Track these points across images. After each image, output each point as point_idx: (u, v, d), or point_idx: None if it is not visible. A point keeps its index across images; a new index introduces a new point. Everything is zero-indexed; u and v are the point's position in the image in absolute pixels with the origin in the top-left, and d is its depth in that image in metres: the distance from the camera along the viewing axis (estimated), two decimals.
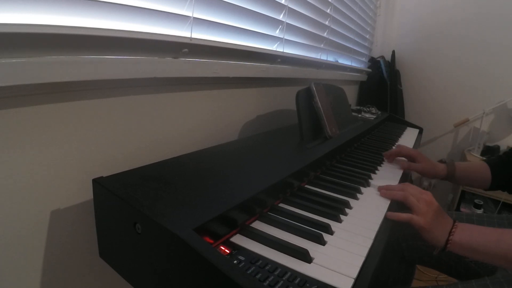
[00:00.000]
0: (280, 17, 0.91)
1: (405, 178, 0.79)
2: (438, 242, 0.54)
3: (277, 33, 0.92)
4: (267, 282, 0.33)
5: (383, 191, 0.62)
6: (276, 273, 0.35)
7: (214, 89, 0.76)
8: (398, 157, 0.88)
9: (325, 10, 1.18)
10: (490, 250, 0.51)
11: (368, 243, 0.44)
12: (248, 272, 0.35)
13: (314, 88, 0.80)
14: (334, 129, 0.85)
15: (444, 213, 0.58)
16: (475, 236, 0.53)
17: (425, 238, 0.56)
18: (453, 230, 0.54)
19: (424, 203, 0.57)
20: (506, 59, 1.84)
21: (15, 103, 0.40)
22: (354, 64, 1.71)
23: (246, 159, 0.60)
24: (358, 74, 1.83)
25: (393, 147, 0.93)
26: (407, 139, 1.23)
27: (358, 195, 0.60)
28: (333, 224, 0.47)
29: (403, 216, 0.55)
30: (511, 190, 0.85)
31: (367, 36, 1.85)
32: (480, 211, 1.71)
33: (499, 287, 0.59)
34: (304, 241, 0.42)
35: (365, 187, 0.65)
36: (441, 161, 0.90)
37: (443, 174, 0.86)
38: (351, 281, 0.35)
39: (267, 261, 0.37)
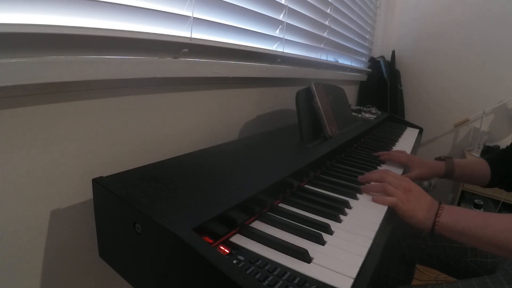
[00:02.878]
0: (280, 17, 0.91)
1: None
2: (425, 225, 0.54)
3: (277, 33, 0.92)
4: (267, 282, 0.33)
5: (363, 187, 0.62)
6: (275, 273, 0.35)
7: (214, 89, 0.76)
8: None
9: (325, 10, 1.18)
10: (476, 234, 0.51)
11: (368, 243, 0.44)
12: (248, 272, 0.35)
13: (314, 88, 0.80)
14: (334, 129, 0.85)
15: (427, 195, 0.58)
16: (461, 219, 0.53)
17: (410, 224, 0.56)
18: (439, 212, 0.54)
19: (403, 190, 0.57)
20: (506, 59, 1.84)
21: (15, 103, 0.40)
22: (354, 64, 1.71)
23: (246, 159, 0.60)
24: (358, 74, 1.83)
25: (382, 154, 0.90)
26: (407, 139, 1.23)
27: (358, 195, 0.60)
28: (332, 224, 0.47)
29: (388, 199, 0.56)
30: (510, 188, 0.85)
31: (367, 36, 1.85)
32: (480, 211, 1.71)
33: (499, 286, 0.59)
34: (303, 241, 0.42)
35: None
36: (439, 158, 0.88)
37: (441, 173, 0.85)
38: (351, 281, 0.35)
39: (266, 261, 0.37)
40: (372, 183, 0.62)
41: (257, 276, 0.34)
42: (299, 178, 0.60)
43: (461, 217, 0.53)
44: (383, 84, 1.96)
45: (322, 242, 0.43)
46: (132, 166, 0.50)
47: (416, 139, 1.25)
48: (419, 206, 0.56)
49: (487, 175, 0.84)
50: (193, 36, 0.61)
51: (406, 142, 1.16)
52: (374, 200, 0.57)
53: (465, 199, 1.88)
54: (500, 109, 1.89)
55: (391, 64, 2.05)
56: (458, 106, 2.02)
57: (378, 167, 0.80)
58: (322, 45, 1.25)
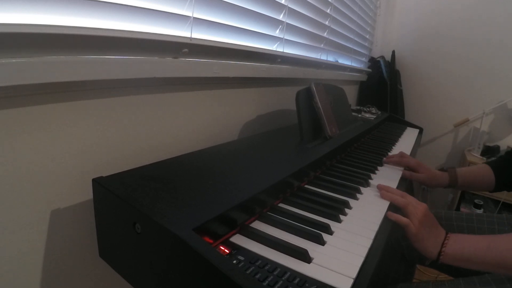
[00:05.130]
0: (280, 17, 0.91)
1: (405, 178, 0.79)
2: (430, 253, 0.55)
3: (277, 33, 0.92)
4: (267, 282, 0.33)
5: (384, 192, 0.62)
6: (275, 273, 0.35)
7: (214, 89, 0.76)
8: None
9: (325, 10, 1.18)
10: (482, 259, 0.52)
11: (368, 243, 0.44)
12: (248, 272, 0.35)
13: (314, 88, 0.80)
14: (334, 129, 0.85)
15: (438, 225, 0.58)
16: (466, 247, 0.53)
17: (417, 248, 0.56)
18: (446, 242, 0.55)
19: (421, 214, 0.57)
20: (506, 59, 1.84)
21: (15, 103, 0.40)
22: (354, 64, 1.71)
23: (246, 159, 0.60)
24: (358, 74, 1.83)
25: (390, 153, 0.91)
26: (407, 139, 1.23)
27: (358, 195, 0.60)
28: (332, 224, 0.47)
29: (403, 219, 0.56)
30: None
31: (367, 36, 1.85)
32: (480, 211, 1.71)
33: (501, 284, 0.59)
34: (303, 241, 0.42)
35: (365, 187, 0.65)
36: (442, 169, 0.89)
37: (445, 184, 0.86)
38: (351, 281, 0.35)
39: (266, 261, 0.37)
40: (395, 196, 0.61)
41: (257, 276, 0.34)
42: (299, 178, 0.60)
43: (466, 244, 0.54)
44: (383, 84, 1.96)
45: (322, 242, 0.43)
46: (132, 166, 0.50)
47: (416, 139, 1.25)
48: (429, 233, 0.56)
49: (491, 181, 0.84)
50: (193, 36, 0.61)
51: (406, 142, 1.16)
52: (388, 215, 0.55)
53: (465, 199, 1.88)
54: (500, 109, 1.89)
55: (391, 64, 2.05)
56: (458, 106, 2.02)
57: (379, 167, 0.80)
58: (322, 45, 1.25)
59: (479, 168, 0.87)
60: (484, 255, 0.51)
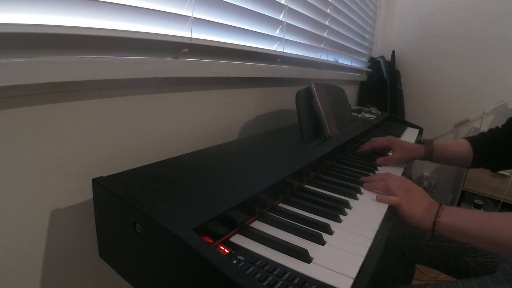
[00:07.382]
0: (280, 17, 0.91)
1: (406, 177, 0.79)
2: (425, 225, 0.55)
3: (277, 33, 0.92)
4: (267, 282, 0.33)
5: (366, 184, 0.63)
6: (275, 273, 0.35)
7: (214, 89, 0.76)
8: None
9: (325, 10, 1.18)
10: (476, 233, 0.52)
11: (368, 243, 0.44)
12: (248, 272, 0.35)
13: (314, 88, 0.80)
14: (334, 129, 0.85)
15: (428, 197, 0.59)
16: (461, 219, 0.53)
17: (411, 224, 0.56)
18: (440, 212, 0.55)
19: (404, 190, 0.58)
20: (506, 59, 1.84)
21: (15, 103, 0.40)
22: (354, 64, 1.71)
23: (246, 159, 0.60)
24: (358, 74, 1.83)
25: (389, 153, 0.91)
26: (407, 139, 1.23)
27: (358, 195, 0.60)
28: (332, 224, 0.47)
29: (392, 198, 0.57)
30: (494, 168, 0.85)
31: (367, 36, 1.85)
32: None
33: (499, 285, 0.59)
34: (303, 241, 0.42)
35: None
36: (419, 142, 0.89)
37: (421, 156, 0.86)
38: (351, 281, 0.35)
39: (266, 261, 0.37)
40: (375, 183, 0.62)
41: (257, 276, 0.34)
42: (299, 178, 0.60)
43: (461, 216, 0.54)
44: (383, 84, 1.96)
45: (322, 242, 0.43)
46: (132, 166, 0.50)
47: (416, 139, 1.25)
48: (419, 206, 0.56)
49: (468, 155, 0.84)
50: (193, 36, 0.61)
51: None
52: (377, 199, 0.57)
53: (465, 199, 1.88)
54: (500, 109, 1.89)
55: (391, 64, 2.05)
56: (458, 106, 2.02)
57: (379, 167, 0.80)
58: (322, 45, 1.25)
59: (457, 142, 0.87)
60: (479, 230, 0.51)
